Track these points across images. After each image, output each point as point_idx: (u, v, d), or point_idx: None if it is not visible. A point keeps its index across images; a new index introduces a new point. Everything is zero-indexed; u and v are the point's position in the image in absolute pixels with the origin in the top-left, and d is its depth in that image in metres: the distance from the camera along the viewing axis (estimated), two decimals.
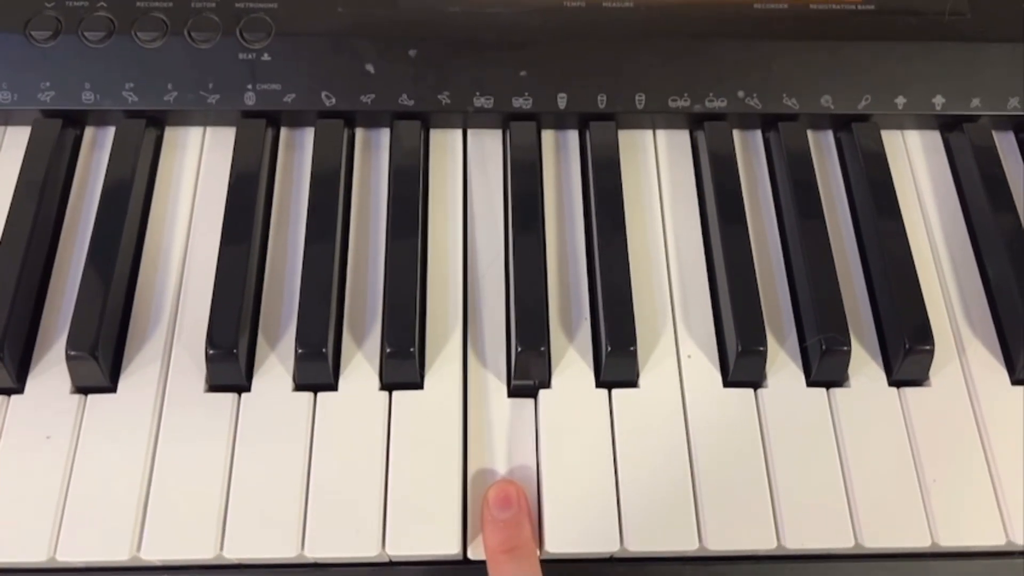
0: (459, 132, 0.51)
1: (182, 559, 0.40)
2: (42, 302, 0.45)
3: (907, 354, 0.44)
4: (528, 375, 0.44)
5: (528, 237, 0.46)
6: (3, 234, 0.45)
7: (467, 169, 0.50)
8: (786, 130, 0.50)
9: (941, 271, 0.48)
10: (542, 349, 0.43)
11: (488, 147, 0.51)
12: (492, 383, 0.44)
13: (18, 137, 0.49)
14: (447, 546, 0.40)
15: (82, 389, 0.43)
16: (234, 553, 0.40)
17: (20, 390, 0.43)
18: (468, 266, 0.47)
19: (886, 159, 0.49)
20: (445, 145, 0.51)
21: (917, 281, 0.46)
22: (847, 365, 0.44)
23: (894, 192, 0.48)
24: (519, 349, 0.43)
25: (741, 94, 0.50)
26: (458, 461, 0.42)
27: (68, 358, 0.42)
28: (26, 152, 0.48)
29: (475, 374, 0.44)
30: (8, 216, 0.46)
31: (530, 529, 0.40)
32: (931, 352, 0.44)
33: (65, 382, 0.43)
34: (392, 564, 0.42)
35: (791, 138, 0.50)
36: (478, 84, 0.49)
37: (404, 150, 0.49)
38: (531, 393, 0.44)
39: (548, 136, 0.52)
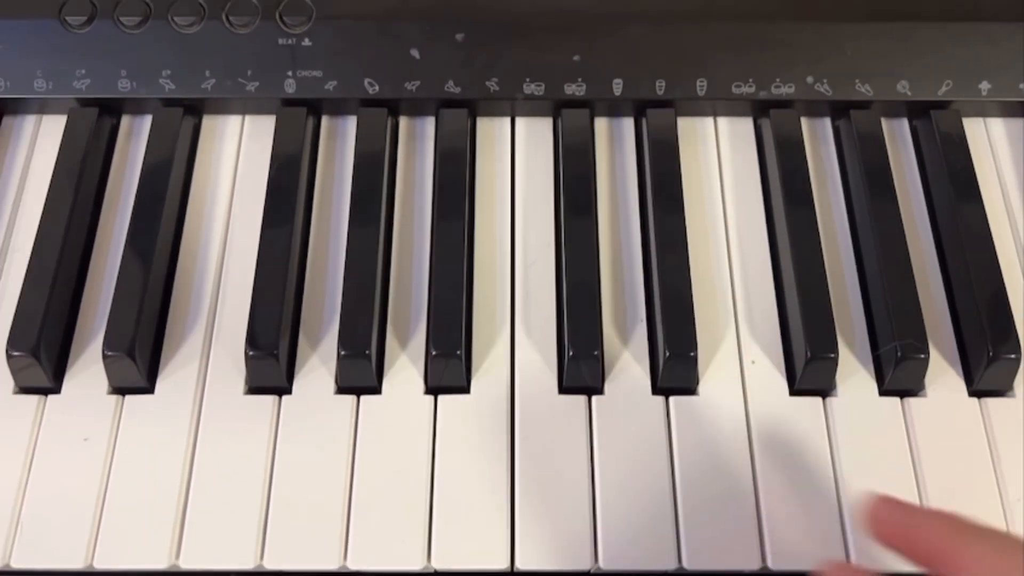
0: (507, 120, 0.49)
1: (222, 568, 0.39)
2: (79, 298, 0.44)
3: (990, 362, 0.41)
4: (580, 380, 0.41)
5: (581, 224, 0.44)
6: (38, 228, 0.44)
7: (515, 160, 0.48)
8: (858, 117, 0.47)
9: None
10: (595, 354, 0.41)
11: (538, 136, 0.48)
12: (541, 387, 0.42)
13: (53, 127, 0.48)
14: (495, 560, 0.39)
15: (119, 390, 0.42)
16: (274, 563, 0.39)
17: (57, 390, 0.42)
18: (516, 262, 0.45)
19: (968, 148, 0.46)
20: (492, 134, 0.48)
21: (1002, 281, 0.42)
22: (924, 373, 0.41)
23: (977, 184, 0.45)
24: (571, 353, 0.41)
25: (810, 80, 0.46)
26: (506, 470, 0.40)
27: (105, 358, 0.41)
28: (62, 143, 0.46)
29: (523, 377, 0.42)
30: (44, 210, 0.44)
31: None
32: (1018, 360, 0.41)
33: (102, 382, 0.42)
34: (436, 574, 0.40)
35: (864, 125, 0.47)
36: (528, 70, 0.47)
37: (450, 136, 0.47)
38: (584, 391, 0.42)
39: (601, 124, 0.49)
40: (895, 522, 0.32)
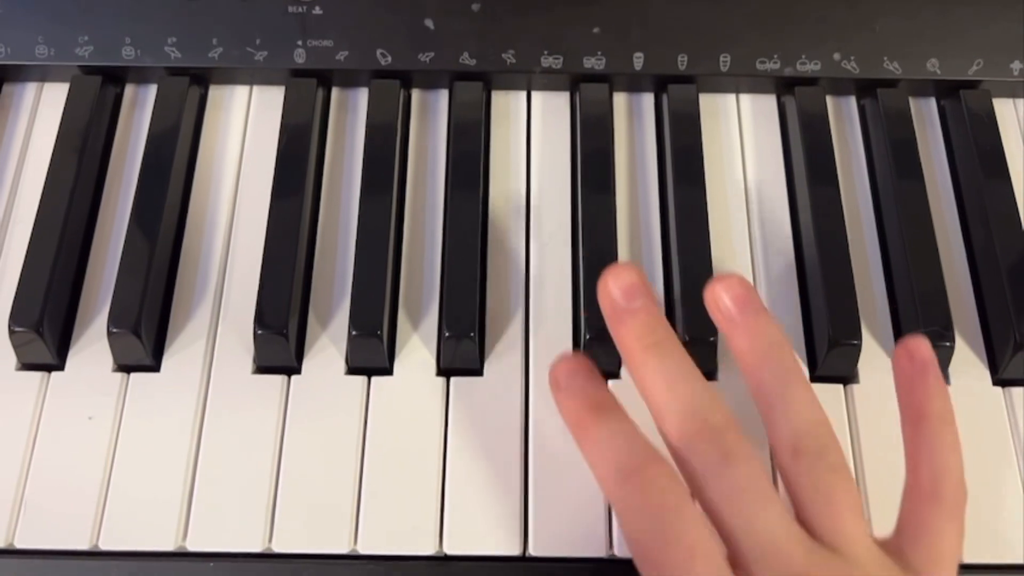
0: (523, 94, 0.47)
1: (229, 550, 0.38)
2: (83, 273, 0.43)
3: (1016, 350, 0.40)
4: (598, 364, 0.40)
5: (598, 201, 0.42)
6: (40, 200, 0.43)
7: (531, 135, 0.46)
8: (885, 95, 0.45)
9: None
10: None
11: (555, 111, 0.47)
12: None
13: (55, 95, 0.46)
14: (507, 545, 0.38)
15: (124, 367, 0.41)
16: (283, 546, 0.38)
17: (60, 367, 0.41)
18: (531, 241, 0.44)
19: (998, 129, 0.45)
20: (508, 108, 0.47)
21: None
22: (948, 361, 0.40)
23: (1006, 167, 0.44)
24: (588, 336, 0.40)
25: (837, 56, 0.45)
26: (519, 453, 0.39)
27: (109, 335, 0.40)
28: (64, 111, 0.45)
29: (538, 359, 0.41)
30: (46, 181, 0.43)
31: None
32: None
33: (107, 359, 0.41)
34: (447, 559, 0.39)
35: (891, 101, 0.45)
36: (547, 42, 0.45)
37: (464, 110, 0.45)
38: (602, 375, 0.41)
39: (620, 99, 0.48)
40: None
